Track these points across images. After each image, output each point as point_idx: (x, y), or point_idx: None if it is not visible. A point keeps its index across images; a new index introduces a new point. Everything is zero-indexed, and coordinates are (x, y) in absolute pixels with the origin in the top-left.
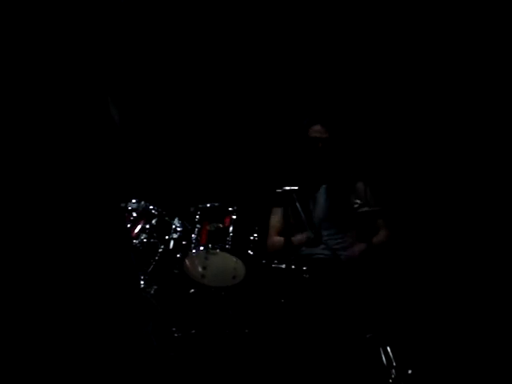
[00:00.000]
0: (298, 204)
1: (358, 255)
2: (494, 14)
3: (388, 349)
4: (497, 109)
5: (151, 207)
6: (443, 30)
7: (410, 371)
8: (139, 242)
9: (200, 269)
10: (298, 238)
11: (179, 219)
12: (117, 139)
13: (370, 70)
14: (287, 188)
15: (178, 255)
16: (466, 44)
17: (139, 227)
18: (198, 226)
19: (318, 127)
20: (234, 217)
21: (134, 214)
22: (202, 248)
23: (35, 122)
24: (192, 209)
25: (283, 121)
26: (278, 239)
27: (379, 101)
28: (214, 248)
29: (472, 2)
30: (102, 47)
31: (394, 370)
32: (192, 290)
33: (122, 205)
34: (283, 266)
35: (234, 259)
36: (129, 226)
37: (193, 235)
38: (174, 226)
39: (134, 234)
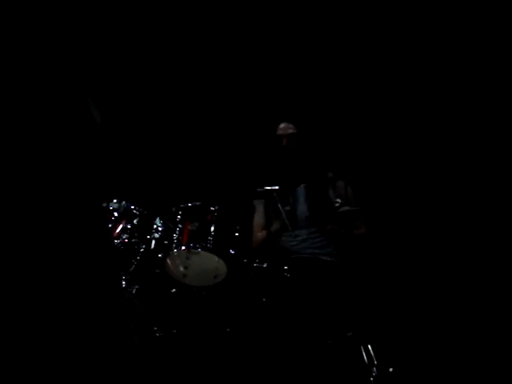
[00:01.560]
0: (279, 203)
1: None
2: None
3: (369, 347)
4: (473, 109)
5: (132, 207)
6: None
7: (390, 369)
8: (121, 242)
9: (182, 268)
10: (274, 226)
11: (161, 219)
12: (98, 139)
13: (343, 65)
14: (268, 187)
15: (160, 255)
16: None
17: (120, 227)
18: (179, 225)
19: (283, 124)
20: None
21: (116, 214)
22: (183, 247)
23: (14, 123)
24: (173, 208)
25: (261, 120)
26: (261, 233)
27: (360, 98)
28: (195, 247)
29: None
30: (83, 47)
31: (375, 368)
32: (174, 290)
33: (104, 205)
34: (265, 265)
35: (216, 258)
36: (110, 226)
37: (174, 235)
38: (155, 226)
39: (115, 234)
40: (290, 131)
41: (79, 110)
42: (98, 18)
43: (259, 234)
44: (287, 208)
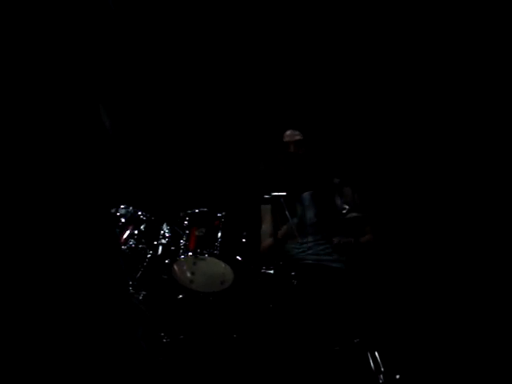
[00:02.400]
0: (286, 210)
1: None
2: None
3: (376, 354)
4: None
5: (140, 213)
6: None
7: (397, 376)
8: (128, 248)
9: (188, 274)
10: (281, 231)
11: (168, 225)
12: (107, 145)
13: (350, 73)
14: (275, 194)
15: (167, 261)
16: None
17: (128, 233)
18: (186, 231)
19: (289, 131)
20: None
21: (123, 220)
22: (190, 253)
23: (24, 127)
24: (181, 214)
25: (268, 126)
26: (268, 241)
27: (366, 106)
28: (202, 253)
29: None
30: (93, 53)
31: (381, 375)
32: (180, 296)
33: (111, 210)
34: (271, 271)
35: (223, 264)
36: (117, 231)
37: (181, 241)
38: (162, 232)
39: (122, 240)
40: (297, 138)
41: (89, 116)
42: (109, 25)
43: (266, 242)
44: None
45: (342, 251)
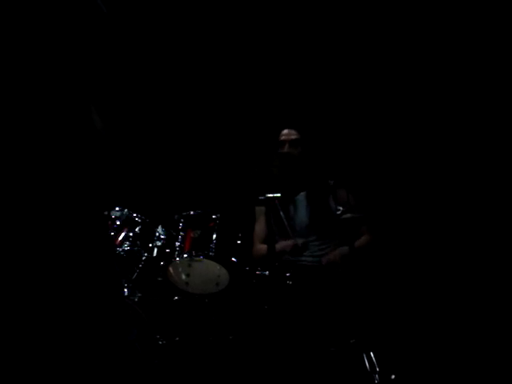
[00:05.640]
0: (280, 211)
1: (340, 259)
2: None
3: (371, 354)
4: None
5: (135, 215)
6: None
7: (393, 376)
8: (123, 250)
9: (184, 276)
10: (282, 244)
11: (163, 227)
12: (99, 147)
13: (346, 73)
14: (270, 195)
15: (162, 263)
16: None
17: (123, 235)
18: (181, 233)
19: (285, 130)
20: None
21: (118, 222)
22: (185, 255)
23: (16, 129)
24: (175, 216)
25: (263, 127)
26: (262, 247)
27: (361, 106)
28: (197, 255)
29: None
30: (85, 54)
31: (377, 376)
32: (176, 298)
33: (106, 213)
34: (267, 272)
35: (218, 266)
36: (112, 234)
37: (176, 243)
38: (157, 234)
39: (117, 242)
40: (293, 137)
41: (81, 118)
42: (100, 26)
43: (260, 247)
44: (298, 243)
45: (331, 269)
